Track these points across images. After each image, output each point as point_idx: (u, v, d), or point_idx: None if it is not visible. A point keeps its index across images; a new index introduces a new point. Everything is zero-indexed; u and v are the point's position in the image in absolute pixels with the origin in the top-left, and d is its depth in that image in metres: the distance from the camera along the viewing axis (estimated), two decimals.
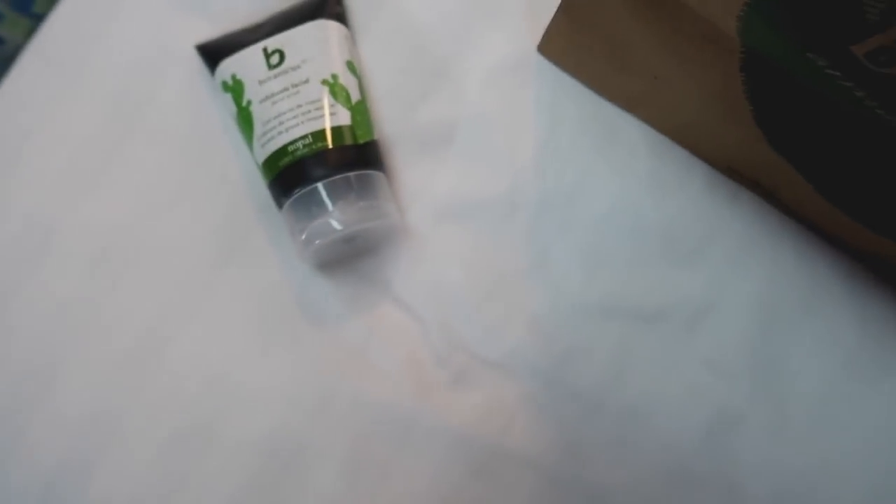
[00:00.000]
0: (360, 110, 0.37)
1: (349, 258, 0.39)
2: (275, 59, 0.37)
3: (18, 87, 0.40)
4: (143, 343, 0.38)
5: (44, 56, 0.40)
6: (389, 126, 0.39)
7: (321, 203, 0.35)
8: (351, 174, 0.36)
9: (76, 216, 0.39)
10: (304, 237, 0.36)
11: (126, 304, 0.38)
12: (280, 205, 0.37)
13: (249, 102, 0.37)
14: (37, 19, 0.40)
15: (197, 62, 0.40)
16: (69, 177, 0.39)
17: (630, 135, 0.40)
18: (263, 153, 0.36)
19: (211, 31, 0.40)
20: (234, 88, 0.37)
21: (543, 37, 0.38)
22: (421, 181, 0.39)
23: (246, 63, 0.37)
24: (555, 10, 0.36)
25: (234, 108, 0.38)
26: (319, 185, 0.35)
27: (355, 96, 0.37)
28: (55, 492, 0.37)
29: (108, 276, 0.38)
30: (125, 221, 0.39)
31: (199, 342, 0.38)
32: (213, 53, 0.39)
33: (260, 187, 0.39)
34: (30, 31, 0.40)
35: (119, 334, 0.38)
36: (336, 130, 0.36)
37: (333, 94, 0.36)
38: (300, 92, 0.36)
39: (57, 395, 0.38)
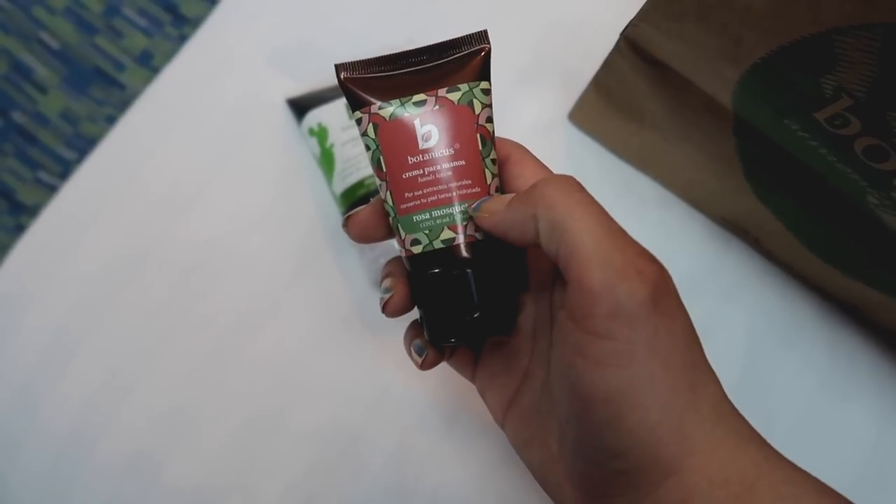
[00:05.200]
0: None
1: None
2: None
3: (134, 124, 0.48)
4: (223, 342, 0.45)
5: (158, 100, 0.48)
6: None
7: None
8: None
9: (175, 233, 0.46)
10: (372, 255, 0.43)
11: (212, 308, 0.45)
12: None
13: (332, 145, 0.45)
14: (154, 71, 0.49)
15: (285, 113, 0.48)
16: (171, 199, 0.46)
17: (642, 189, 0.48)
18: (343, 185, 0.44)
19: (296, 88, 0.48)
20: (320, 133, 0.45)
21: (575, 106, 0.47)
22: None
23: (331, 113, 0.46)
24: (583, 86, 0.45)
25: (318, 150, 0.45)
26: None
27: None
28: (137, 468, 0.42)
29: (197, 284, 0.45)
30: (215, 239, 0.46)
31: (272, 343, 0.45)
32: (300, 106, 0.47)
33: (330, 217, 0.46)
34: (147, 80, 0.48)
35: (203, 334, 0.45)
36: None
37: None
38: None
39: (145, 384, 0.44)
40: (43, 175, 0.46)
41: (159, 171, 0.47)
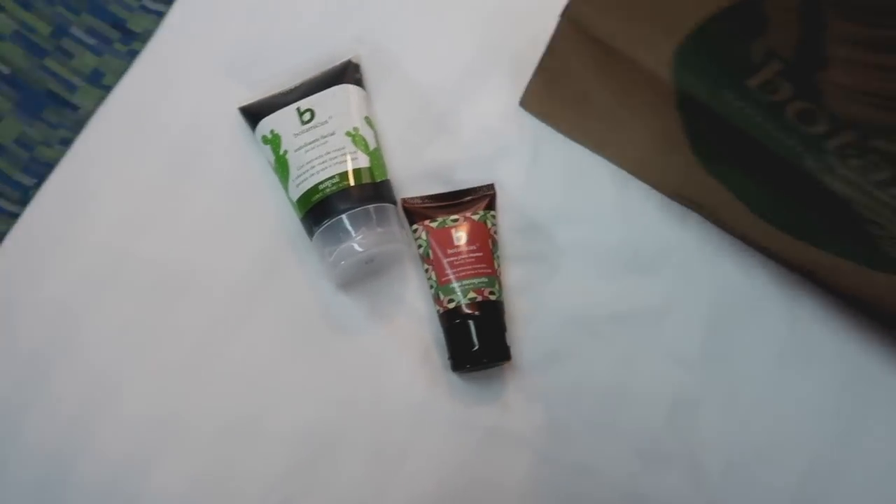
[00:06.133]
0: (377, 156, 0.46)
1: (366, 278, 0.46)
2: (306, 116, 0.46)
3: (89, 146, 0.48)
4: (194, 355, 0.45)
5: (111, 119, 0.48)
6: (400, 169, 0.48)
7: (346, 230, 0.43)
8: (370, 206, 0.44)
9: (139, 250, 0.46)
10: (332, 259, 0.43)
11: (181, 321, 0.46)
12: (311, 234, 0.44)
13: (286, 151, 0.45)
14: (106, 90, 0.49)
15: (239, 121, 0.48)
16: (132, 217, 0.47)
17: (597, 171, 0.48)
18: (298, 192, 0.44)
19: (250, 95, 0.48)
20: (273, 140, 0.46)
21: (524, 93, 0.47)
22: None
23: (282, 120, 0.46)
24: (532, 71, 0.45)
25: (272, 157, 0.46)
26: (344, 216, 0.43)
27: (372, 144, 0.46)
28: (119, 483, 0.43)
29: (166, 298, 0.46)
30: (179, 252, 0.46)
31: (243, 353, 0.45)
32: (252, 114, 0.47)
33: (290, 223, 0.47)
34: (100, 99, 0.49)
35: (175, 347, 0.45)
36: (357, 172, 0.44)
37: (355, 143, 0.45)
38: (328, 142, 0.45)
39: (121, 401, 0.44)
40: (2, 203, 0.46)
41: (118, 189, 0.47)
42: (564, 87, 0.44)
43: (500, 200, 0.48)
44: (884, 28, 0.27)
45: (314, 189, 0.44)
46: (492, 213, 0.47)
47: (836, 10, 0.28)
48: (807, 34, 0.29)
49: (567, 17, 0.39)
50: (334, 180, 0.44)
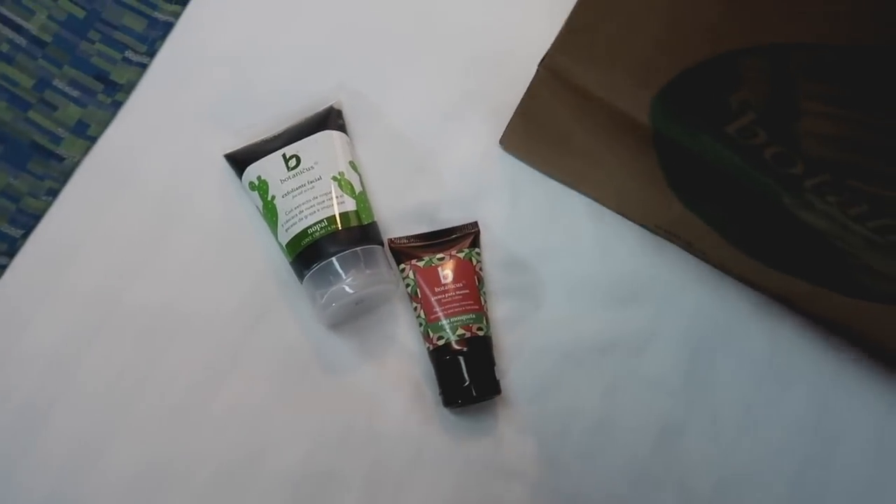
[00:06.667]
0: (363, 199, 0.47)
1: (356, 318, 0.47)
2: (292, 162, 0.47)
3: (76, 196, 0.48)
4: (188, 399, 0.45)
5: (98, 169, 0.49)
6: (385, 210, 0.49)
7: (336, 273, 0.44)
8: (358, 249, 0.45)
9: (129, 297, 0.46)
10: (323, 301, 0.44)
11: (172, 367, 0.46)
12: (301, 277, 0.45)
13: (273, 197, 0.46)
14: (91, 140, 0.49)
15: (225, 168, 0.49)
16: (122, 266, 0.47)
17: (575, 207, 0.50)
18: (287, 236, 0.45)
19: (234, 143, 0.49)
20: (261, 187, 0.47)
21: (504, 133, 0.49)
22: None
23: (269, 166, 0.47)
24: (511, 113, 0.47)
25: (260, 203, 0.47)
26: (334, 259, 0.44)
27: (358, 188, 0.47)
28: None
29: (157, 344, 0.46)
30: (169, 300, 0.47)
31: (235, 396, 0.46)
32: (238, 160, 0.48)
33: (278, 266, 0.48)
34: (86, 150, 0.49)
35: (167, 393, 0.45)
36: (344, 215, 0.45)
37: (341, 187, 0.46)
38: (315, 187, 0.46)
39: (115, 448, 0.44)
40: None
41: (106, 239, 0.47)
42: (543, 128, 0.46)
43: (484, 238, 0.49)
44: (848, 88, 0.29)
45: (303, 233, 0.45)
46: (476, 250, 0.48)
47: (803, 73, 0.30)
48: (778, 90, 0.32)
49: (545, 66, 0.41)
50: (323, 224, 0.45)
